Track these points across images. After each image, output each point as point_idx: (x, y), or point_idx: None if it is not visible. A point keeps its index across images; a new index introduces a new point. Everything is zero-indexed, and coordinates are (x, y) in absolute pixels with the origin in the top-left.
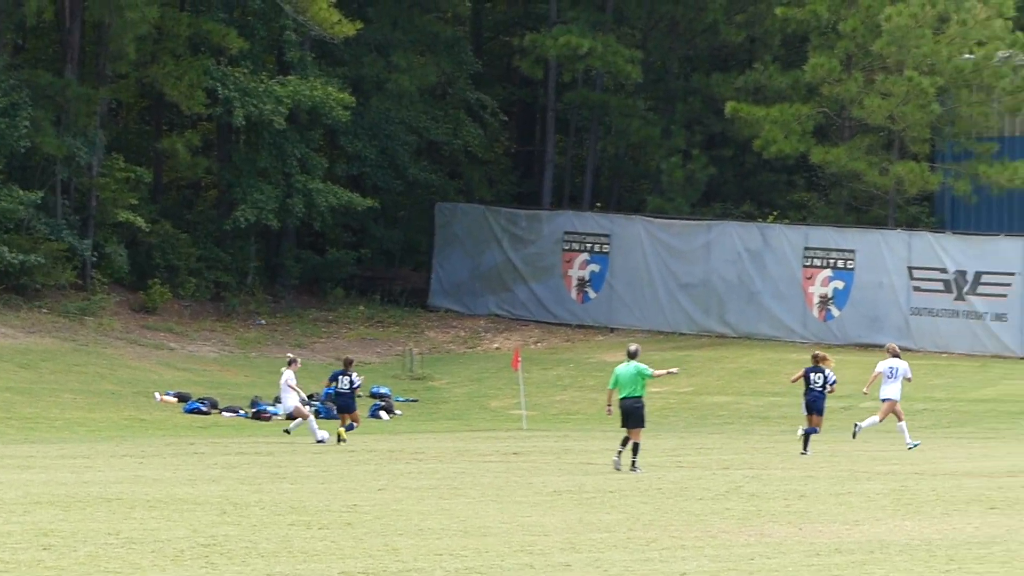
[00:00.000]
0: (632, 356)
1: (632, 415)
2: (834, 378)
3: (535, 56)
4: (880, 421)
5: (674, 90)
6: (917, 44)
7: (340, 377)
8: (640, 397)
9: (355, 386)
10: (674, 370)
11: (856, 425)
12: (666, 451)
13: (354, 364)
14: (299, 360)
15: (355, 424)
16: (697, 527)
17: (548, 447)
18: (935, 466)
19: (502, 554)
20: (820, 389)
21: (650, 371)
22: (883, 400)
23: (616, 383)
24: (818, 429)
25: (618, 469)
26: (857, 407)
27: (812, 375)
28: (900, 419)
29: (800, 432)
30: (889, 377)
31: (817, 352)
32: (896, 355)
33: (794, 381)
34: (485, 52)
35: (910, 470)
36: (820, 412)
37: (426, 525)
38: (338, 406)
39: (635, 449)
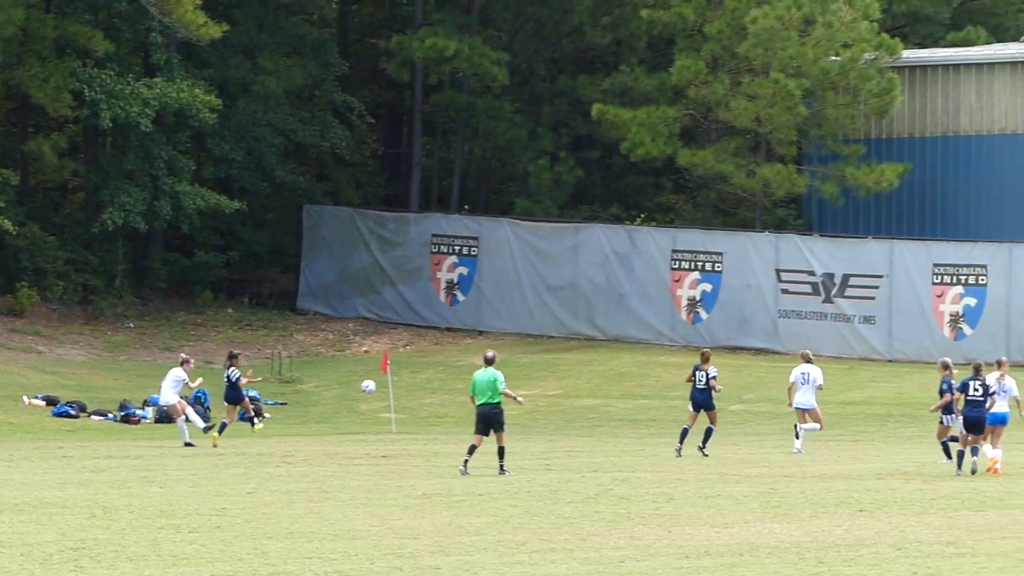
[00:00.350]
0: (489, 362)
1: (491, 421)
2: (714, 372)
3: (401, 58)
4: (821, 428)
5: (540, 92)
6: (783, 46)
7: (224, 371)
8: (498, 403)
9: (234, 379)
10: (520, 400)
11: (797, 426)
12: (535, 454)
13: (238, 358)
14: (192, 361)
15: (246, 412)
16: (567, 530)
17: (417, 450)
18: (804, 469)
19: (372, 557)
20: (704, 386)
21: (503, 384)
22: (803, 410)
23: (474, 389)
24: (713, 427)
25: (465, 474)
26: (726, 409)
27: (697, 373)
28: (802, 424)
29: (687, 437)
30: (803, 383)
31: (705, 350)
32: (808, 360)
33: (688, 381)
34: (352, 54)
35: (779, 473)
36: (709, 408)
37: (296, 528)
38: (225, 399)
39: (501, 452)
